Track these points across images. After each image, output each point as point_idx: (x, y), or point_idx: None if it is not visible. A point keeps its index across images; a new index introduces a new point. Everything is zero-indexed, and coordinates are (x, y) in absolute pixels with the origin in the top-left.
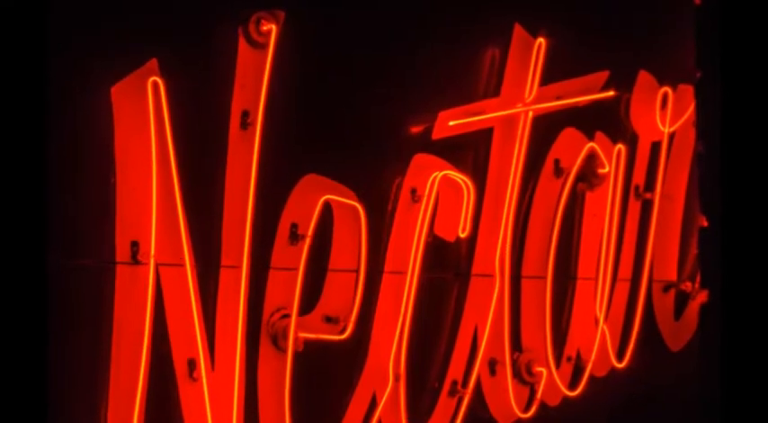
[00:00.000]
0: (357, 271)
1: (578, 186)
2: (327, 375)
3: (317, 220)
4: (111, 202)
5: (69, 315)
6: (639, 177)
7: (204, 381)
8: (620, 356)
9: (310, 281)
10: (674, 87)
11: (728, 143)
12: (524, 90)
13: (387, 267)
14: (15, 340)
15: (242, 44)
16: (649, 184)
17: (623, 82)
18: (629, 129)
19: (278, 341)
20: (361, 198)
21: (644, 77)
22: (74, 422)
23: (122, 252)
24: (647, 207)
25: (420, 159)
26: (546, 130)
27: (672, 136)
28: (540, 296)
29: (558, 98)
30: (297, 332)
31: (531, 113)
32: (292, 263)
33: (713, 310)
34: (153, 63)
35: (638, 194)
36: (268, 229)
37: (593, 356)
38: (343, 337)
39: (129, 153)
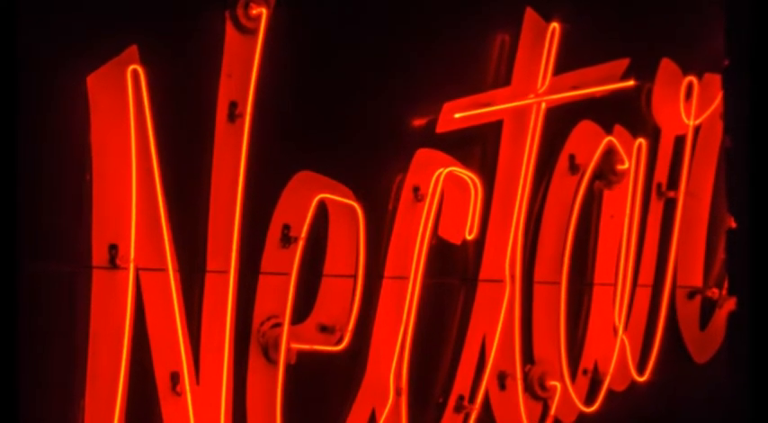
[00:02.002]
0: (355, 276)
1: (595, 184)
2: (322, 390)
3: (312, 221)
4: (87, 202)
5: (41, 324)
6: (662, 174)
7: (188, 395)
8: (640, 369)
9: (304, 287)
10: (700, 76)
11: (758, 137)
12: (537, 79)
13: (387, 272)
14: None
15: (229, 29)
16: (673, 182)
17: (644, 71)
18: (650, 121)
19: (269, 352)
20: (360, 197)
21: (667, 66)
22: None
23: (99, 255)
24: (670, 207)
25: (423, 155)
26: (560, 122)
27: (697, 129)
28: (554, 303)
29: (574, 88)
30: (289, 343)
31: (543, 105)
32: (284, 267)
33: (742, 318)
34: (132, 50)
35: (661, 193)
36: (258, 230)
37: (611, 369)
38: (340, 348)
39: (106, 148)
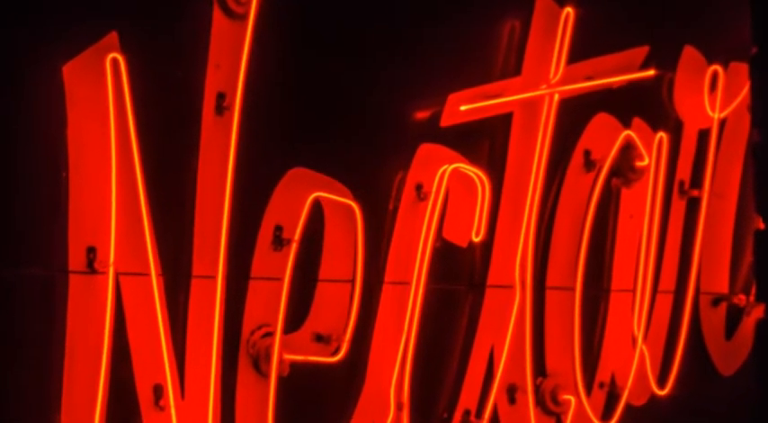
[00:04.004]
0: (353, 281)
1: (612, 182)
2: (318, 404)
3: (306, 222)
4: (64, 201)
5: (14, 333)
6: (685, 171)
7: (172, 410)
8: (661, 382)
9: (297, 293)
10: (726, 65)
11: None
12: (549, 69)
13: (387, 277)
14: None
15: (217, 15)
16: (696, 180)
17: (666, 59)
18: (672, 114)
19: (259, 364)
20: (358, 196)
21: (690, 54)
22: None
23: (76, 259)
24: (693, 206)
25: (426, 150)
26: (574, 115)
27: (722, 123)
28: (568, 311)
29: (589, 78)
30: (281, 354)
31: (556, 96)
32: (276, 272)
33: None
34: (112, 37)
35: (683, 191)
36: (248, 232)
37: (629, 382)
38: (337, 359)
39: (84, 143)
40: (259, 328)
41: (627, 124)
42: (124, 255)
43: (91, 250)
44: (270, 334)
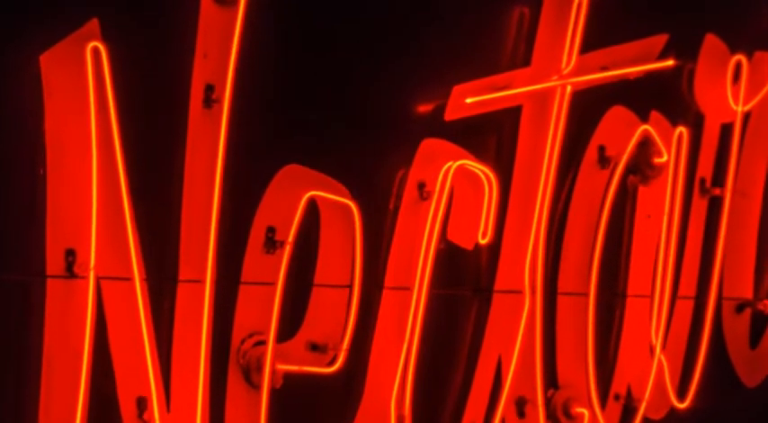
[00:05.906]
0: (350, 286)
1: (629, 180)
2: (313, 418)
3: (300, 223)
4: (41, 200)
5: None
6: (706, 168)
7: None
8: (681, 394)
9: (291, 299)
10: (750, 55)
11: None
12: (561, 59)
13: (387, 282)
14: None
15: (205, 1)
16: (718, 177)
17: (686, 48)
18: (692, 107)
19: (250, 375)
20: (356, 195)
21: (712, 43)
22: None
23: (54, 262)
24: (715, 206)
25: (429, 146)
26: (588, 108)
27: (747, 116)
28: (581, 318)
29: (604, 69)
30: (274, 364)
31: (569, 88)
32: (269, 276)
33: None
34: (93, 24)
35: (705, 190)
36: (238, 233)
37: (647, 394)
38: (333, 369)
39: (63, 138)
40: (250, 336)
41: (644, 118)
42: (106, 258)
43: (70, 253)
44: (262, 343)
